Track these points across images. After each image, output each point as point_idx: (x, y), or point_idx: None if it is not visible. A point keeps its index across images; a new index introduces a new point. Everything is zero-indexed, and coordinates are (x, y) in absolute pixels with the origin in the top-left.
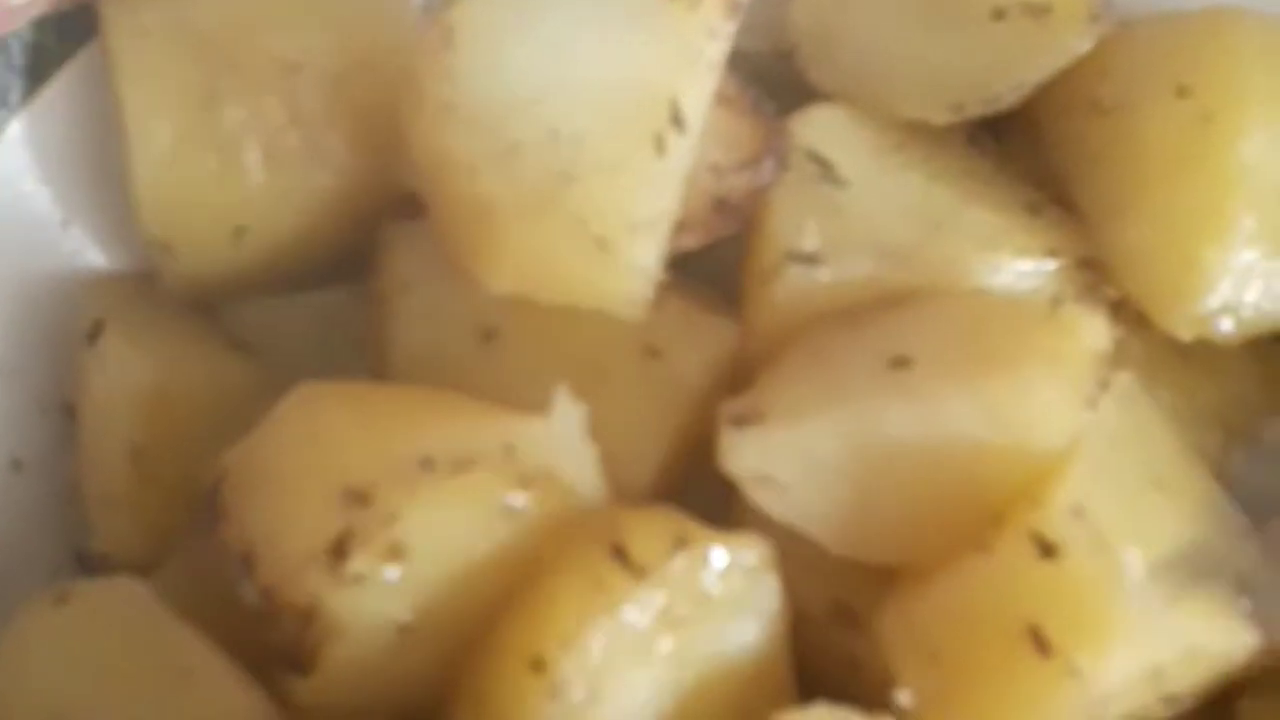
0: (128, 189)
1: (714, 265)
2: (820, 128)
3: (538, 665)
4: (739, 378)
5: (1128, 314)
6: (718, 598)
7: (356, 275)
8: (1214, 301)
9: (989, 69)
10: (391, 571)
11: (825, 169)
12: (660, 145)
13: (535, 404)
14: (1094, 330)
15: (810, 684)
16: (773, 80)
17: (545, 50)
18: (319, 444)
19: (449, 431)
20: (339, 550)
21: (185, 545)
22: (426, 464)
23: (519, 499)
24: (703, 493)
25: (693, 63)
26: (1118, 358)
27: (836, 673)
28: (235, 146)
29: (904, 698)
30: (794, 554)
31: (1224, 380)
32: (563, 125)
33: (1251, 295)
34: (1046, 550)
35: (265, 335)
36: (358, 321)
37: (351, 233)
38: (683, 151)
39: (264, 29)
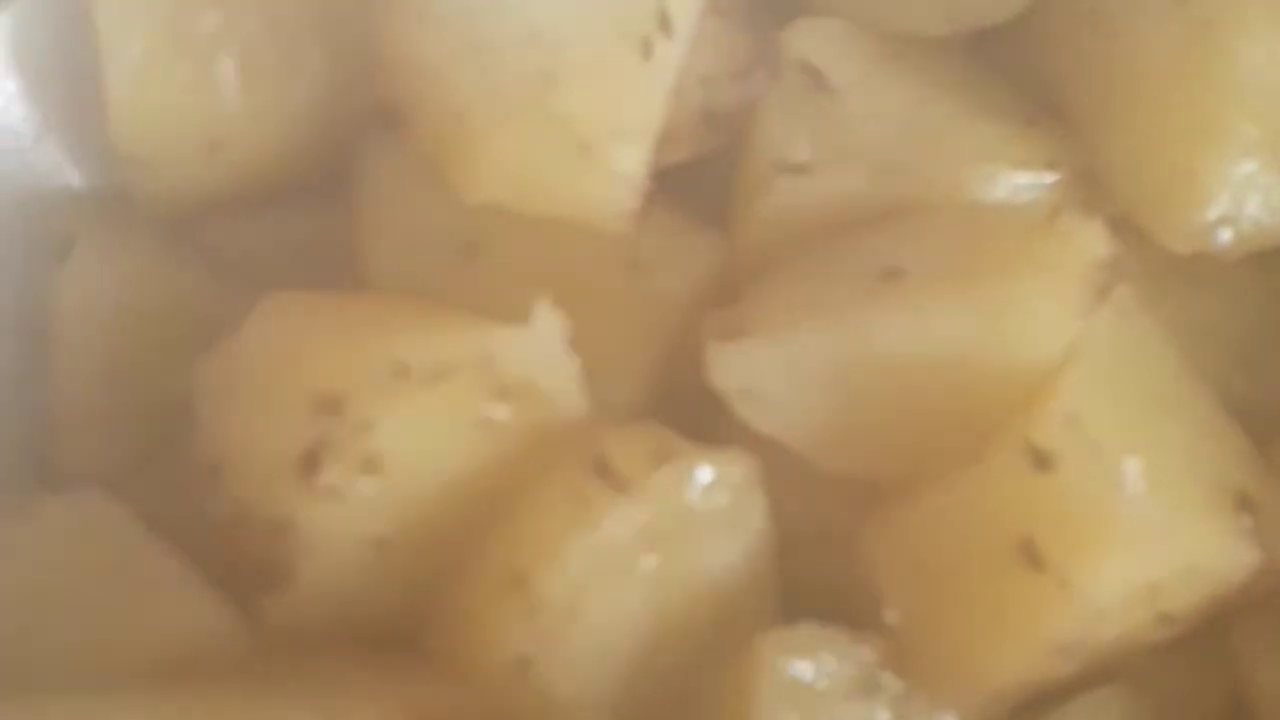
0: (102, 103)
1: (704, 179)
2: (813, 39)
3: (517, 582)
4: (728, 292)
5: (1127, 230)
6: (702, 514)
7: (336, 191)
8: (1212, 213)
9: None
10: (366, 484)
11: (817, 80)
12: (647, 50)
13: (517, 320)
14: (1091, 238)
15: (795, 603)
16: None
17: None
18: (290, 352)
19: (425, 339)
20: (310, 461)
21: (157, 461)
22: (401, 372)
23: (498, 410)
24: (690, 409)
25: None
26: (1116, 273)
27: (823, 592)
28: (210, 58)
29: (891, 616)
30: (781, 471)
31: (1226, 297)
32: (545, 26)
33: (1251, 207)
34: (1040, 461)
35: (242, 252)
36: (337, 238)
37: (330, 147)
38: (670, 57)
39: None
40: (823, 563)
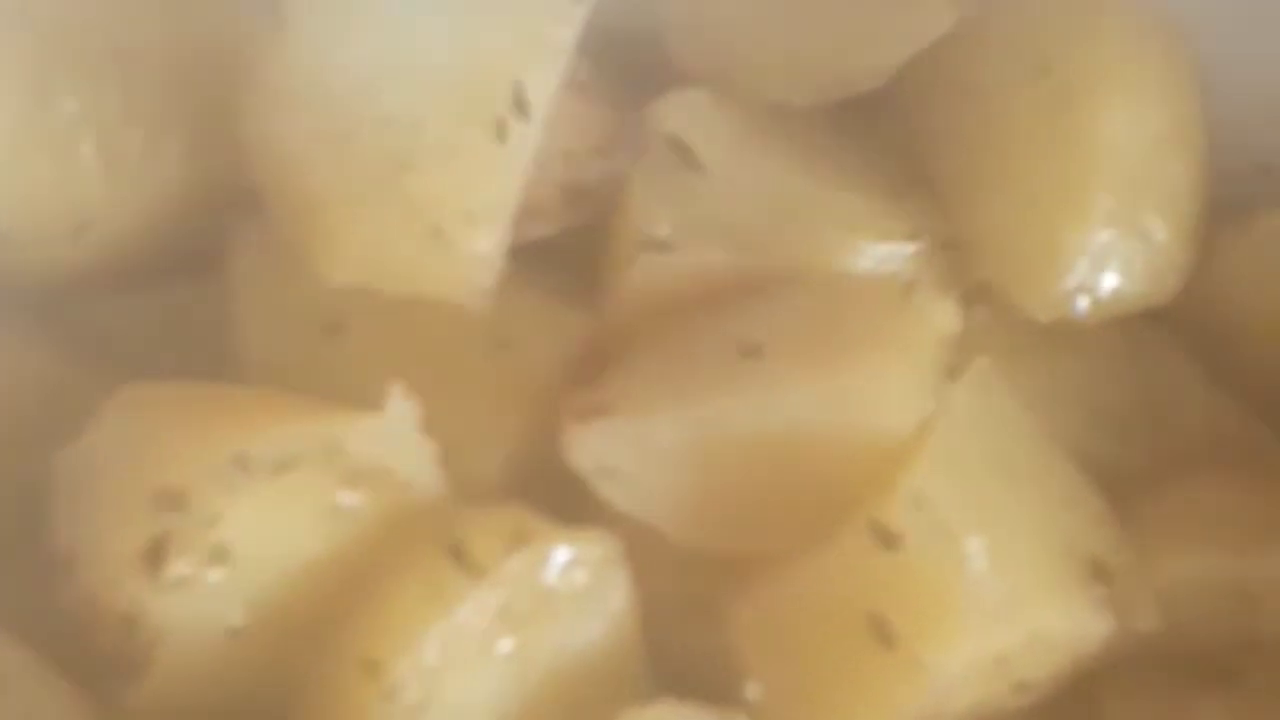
0: None
1: (571, 255)
2: (681, 112)
3: (372, 668)
4: (594, 369)
5: (991, 296)
6: (561, 595)
7: (205, 272)
8: (1071, 282)
9: (851, 50)
10: (215, 575)
11: (683, 154)
12: (501, 131)
13: (375, 402)
14: (944, 317)
15: (665, 680)
16: (641, 63)
17: (382, 34)
18: (137, 446)
19: (268, 430)
20: (156, 555)
21: (11, 550)
22: (242, 463)
23: (349, 497)
24: (559, 488)
25: (538, 48)
26: (980, 342)
27: (692, 668)
28: (72, 140)
29: (753, 691)
30: (646, 548)
31: (1090, 361)
32: (399, 110)
33: (1109, 275)
34: (887, 540)
35: (110, 333)
36: (205, 320)
37: (196, 228)
38: (525, 138)
39: (101, 19)
40: (691, 639)
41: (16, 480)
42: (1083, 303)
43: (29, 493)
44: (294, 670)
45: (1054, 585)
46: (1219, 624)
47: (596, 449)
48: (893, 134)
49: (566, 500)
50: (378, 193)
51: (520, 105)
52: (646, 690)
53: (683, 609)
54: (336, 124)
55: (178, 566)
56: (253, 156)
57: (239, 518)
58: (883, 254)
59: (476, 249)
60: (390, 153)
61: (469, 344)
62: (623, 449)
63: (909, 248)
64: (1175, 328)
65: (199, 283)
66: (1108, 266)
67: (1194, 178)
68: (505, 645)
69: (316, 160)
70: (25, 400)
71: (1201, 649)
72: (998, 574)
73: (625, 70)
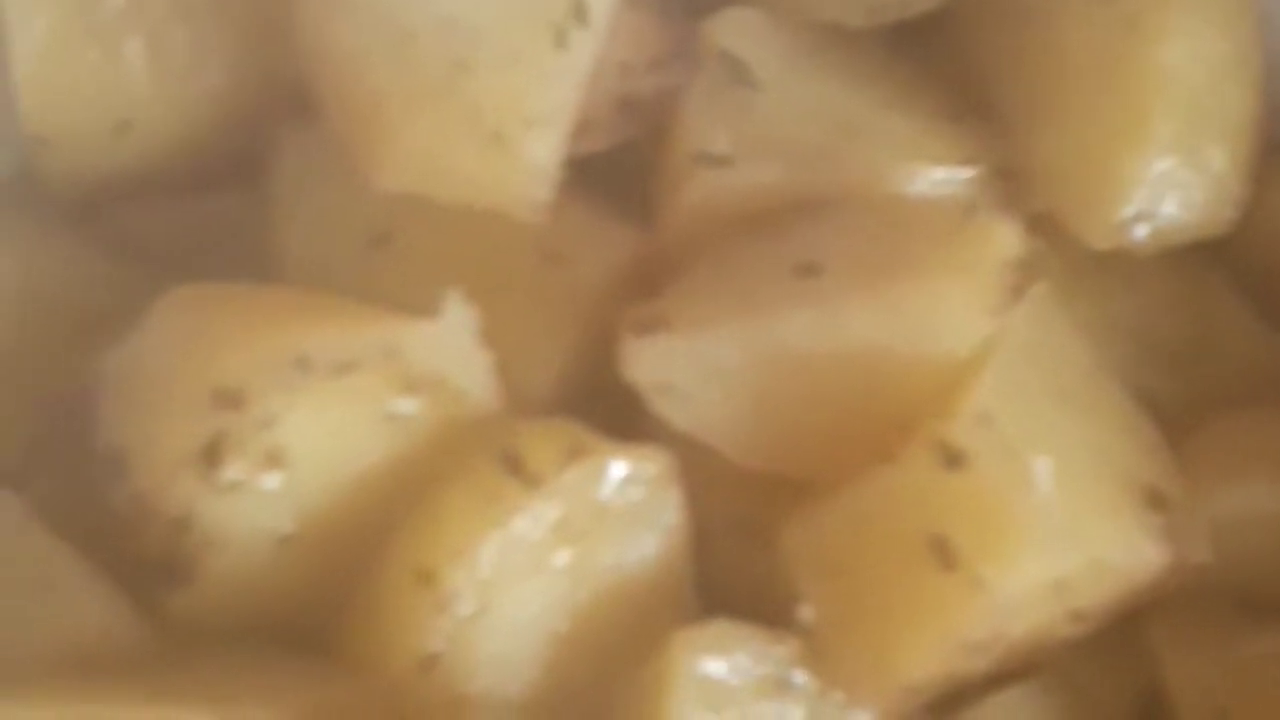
0: (6, 82)
1: (623, 170)
2: (735, 29)
3: (426, 577)
4: (647, 285)
5: (1047, 225)
6: (615, 510)
7: (249, 177)
8: (1130, 210)
9: None
10: (270, 479)
11: (739, 71)
12: (561, 38)
13: (427, 311)
14: (1006, 238)
15: (715, 600)
16: None
17: None
18: (192, 345)
19: (329, 332)
20: (212, 456)
21: (59, 455)
22: (303, 364)
23: (406, 404)
24: (610, 404)
25: None
26: (1035, 269)
27: (742, 589)
28: (118, 38)
29: (806, 613)
30: (700, 467)
31: (1142, 293)
32: (459, 13)
33: (1168, 204)
34: (952, 459)
35: (151, 238)
36: (249, 227)
37: (241, 132)
38: (584, 46)
39: None
40: (742, 560)
41: (60, 382)
42: (1141, 231)
43: (75, 395)
44: (344, 580)
45: (1114, 511)
46: (1269, 558)
47: (653, 363)
48: (948, 58)
49: (617, 418)
50: (435, 96)
51: (580, 13)
52: (698, 611)
53: (737, 529)
54: (395, 26)
55: (233, 469)
56: (307, 59)
57: (296, 420)
58: (938, 178)
59: (536, 157)
60: (449, 56)
61: (519, 257)
62: (680, 364)
63: (965, 173)
64: (1227, 262)
65: (243, 188)
66: (1166, 195)
67: (1252, 109)
68: (560, 560)
69: (373, 63)
70: (66, 304)
71: (1252, 583)
72: (1061, 496)
73: None
